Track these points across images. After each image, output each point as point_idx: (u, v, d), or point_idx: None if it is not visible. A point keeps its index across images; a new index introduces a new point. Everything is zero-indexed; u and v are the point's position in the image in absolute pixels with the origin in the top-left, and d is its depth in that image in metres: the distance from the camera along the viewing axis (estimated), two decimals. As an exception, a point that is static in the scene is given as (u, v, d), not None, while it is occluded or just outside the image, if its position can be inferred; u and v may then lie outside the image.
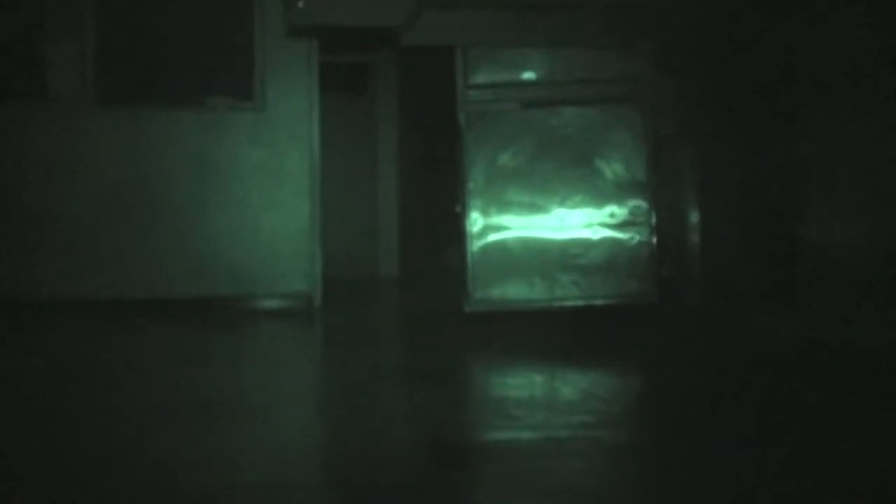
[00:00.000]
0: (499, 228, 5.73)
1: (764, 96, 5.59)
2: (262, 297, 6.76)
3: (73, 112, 6.49)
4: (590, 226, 5.74)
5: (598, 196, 5.75)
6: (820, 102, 5.11)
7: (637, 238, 5.73)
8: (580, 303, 5.71)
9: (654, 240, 5.74)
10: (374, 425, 3.28)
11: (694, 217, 5.88)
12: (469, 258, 5.71)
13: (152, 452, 2.84)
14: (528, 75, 5.80)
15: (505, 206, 5.73)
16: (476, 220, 5.71)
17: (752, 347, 4.78)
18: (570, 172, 5.75)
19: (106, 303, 6.40)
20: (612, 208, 5.74)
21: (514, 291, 5.71)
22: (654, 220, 5.74)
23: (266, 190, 6.75)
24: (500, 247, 5.72)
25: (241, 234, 6.70)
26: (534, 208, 5.74)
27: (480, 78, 5.76)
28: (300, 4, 5.16)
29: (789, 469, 2.62)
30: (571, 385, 3.92)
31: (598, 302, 5.71)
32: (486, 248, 5.71)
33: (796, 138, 5.32)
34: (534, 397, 3.73)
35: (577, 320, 5.70)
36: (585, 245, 5.73)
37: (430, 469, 2.68)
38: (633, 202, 5.74)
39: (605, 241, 5.73)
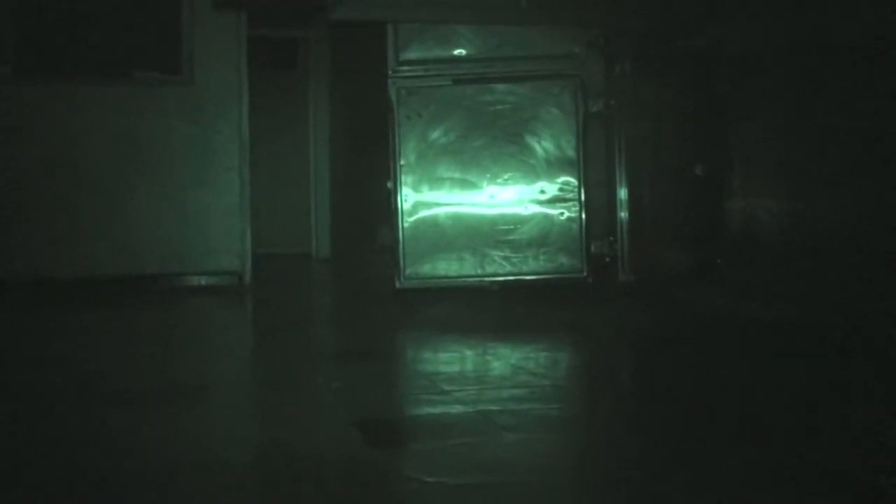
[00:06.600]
0: (430, 205, 5.73)
1: (692, 76, 5.66)
2: (191, 276, 6.68)
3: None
4: (520, 202, 5.78)
5: (529, 172, 5.78)
6: (747, 84, 5.20)
7: (567, 214, 5.78)
8: (511, 278, 5.75)
9: (584, 216, 5.80)
10: (303, 403, 3.27)
11: (623, 194, 5.94)
12: (400, 234, 5.71)
13: (84, 436, 2.80)
14: (460, 52, 5.80)
15: (436, 183, 5.74)
16: (407, 197, 5.71)
17: (678, 323, 4.86)
18: (501, 149, 5.78)
19: (30, 283, 6.27)
20: (543, 184, 5.78)
21: (445, 267, 5.72)
22: (583, 196, 5.80)
23: (195, 166, 6.66)
24: (432, 223, 5.73)
25: (169, 212, 6.61)
26: (465, 184, 5.76)
27: (412, 54, 5.75)
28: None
29: (716, 433, 2.67)
30: (501, 359, 3.95)
31: (529, 277, 5.76)
32: (418, 225, 5.72)
33: (724, 119, 5.40)
34: (464, 372, 3.75)
35: (508, 295, 5.74)
36: (516, 221, 5.77)
37: (360, 446, 2.68)
38: (562, 178, 5.79)
39: (535, 217, 5.77)
